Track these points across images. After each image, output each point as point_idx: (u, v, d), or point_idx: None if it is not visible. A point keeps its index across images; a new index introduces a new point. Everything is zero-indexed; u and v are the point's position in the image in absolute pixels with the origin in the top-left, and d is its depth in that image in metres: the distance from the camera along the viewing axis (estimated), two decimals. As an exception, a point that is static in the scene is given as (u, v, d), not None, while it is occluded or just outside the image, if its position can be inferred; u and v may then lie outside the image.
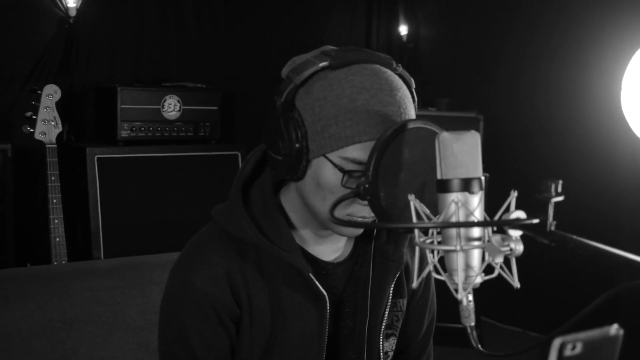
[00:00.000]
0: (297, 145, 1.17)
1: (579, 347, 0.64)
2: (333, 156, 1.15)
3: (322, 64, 1.17)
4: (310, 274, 1.24)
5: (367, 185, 1.07)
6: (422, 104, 3.89)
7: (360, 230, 1.25)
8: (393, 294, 1.35)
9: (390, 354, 1.39)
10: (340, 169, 1.14)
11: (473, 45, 4.07)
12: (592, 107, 2.92)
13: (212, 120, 3.57)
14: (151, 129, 3.37)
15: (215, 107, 3.58)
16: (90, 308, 1.87)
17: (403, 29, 4.51)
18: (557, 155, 3.51)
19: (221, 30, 3.97)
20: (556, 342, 0.63)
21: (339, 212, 1.17)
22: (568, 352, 0.63)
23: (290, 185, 1.29)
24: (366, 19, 4.52)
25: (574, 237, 0.85)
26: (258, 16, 4.02)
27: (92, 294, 1.88)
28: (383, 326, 1.33)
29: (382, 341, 1.34)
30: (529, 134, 3.66)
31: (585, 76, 2.97)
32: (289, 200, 1.29)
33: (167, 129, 3.42)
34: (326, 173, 1.16)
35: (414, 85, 1.25)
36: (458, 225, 0.92)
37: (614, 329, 0.67)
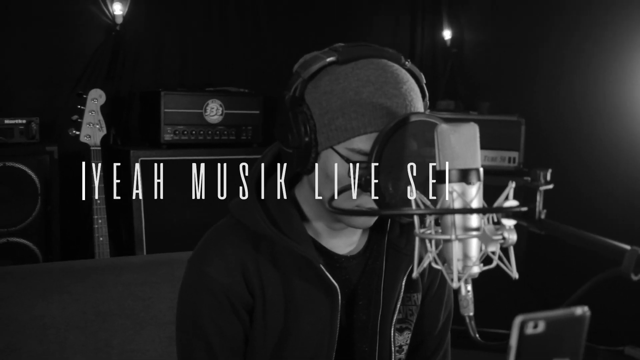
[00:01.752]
0: (306, 138, 1.20)
1: (541, 326, 0.65)
2: (340, 148, 1.18)
3: (329, 59, 1.20)
4: (321, 265, 1.26)
5: (368, 177, 1.09)
6: (464, 108, 3.88)
7: (370, 222, 1.27)
8: (407, 288, 1.36)
9: (405, 347, 1.40)
10: (347, 160, 1.17)
11: (516, 49, 4.03)
12: (635, 109, 2.87)
13: (254, 124, 3.62)
14: (194, 132, 3.45)
15: (257, 111, 3.64)
16: (123, 302, 1.93)
17: (447, 34, 4.50)
18: (600, 158, 3.46)
19: (264, 35, 4.03)
20: (517, 320, 0.64)
21: (349, 204, 1.20)
22: (529, 330, 0.64)
23: (303, 179, 1.32)
24: (410, 24, 4.53)
25: (563, 225, 0.85)
26: (301, 21, 4.07)
27: (125, 288, 1.94)
28: (394, 319, 1.35)
29: (394, 334, 1.35)
30: (570, 136, 3.61)
31: (627, 79, 2.92)
32: (302, 193, 1.32)
33: (210, 132, 3.49)
34: (334, 164, 1.19)
35: (424, 81, 1.27)
36: (447, 212, 0.93)
37: (581, 309, 0.67)
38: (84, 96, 3.02)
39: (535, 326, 0.64)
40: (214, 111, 3.50)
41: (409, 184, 1.07)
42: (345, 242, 1.36)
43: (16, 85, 3.42)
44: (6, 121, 3.02)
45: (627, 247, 0.77)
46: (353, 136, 1.17)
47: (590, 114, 3.50)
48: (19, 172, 3.03)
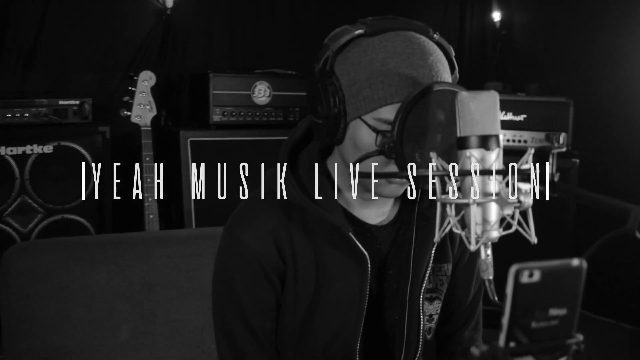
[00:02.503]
0: (335, 109, 1.23)
1: (537, 275, 0.67)
2: (368, 118, 1.21)
3: (357, 32, 1.23)
4: (350, 233, 1.30)
5: (391, 144, 1.12)
6: (512, 90, 3.84)
7: (398, 192, 1.30)
8: (437, 258, 1.39)
9: (435, 317, 1.43)
10: (374, 130, 1.20)
11: (566, 31, 3.98)
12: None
13: (301, 105, 3.67)
14: (242, 113, 3.51)
15: (305, 93, 3.67)
16: (168, 273, 2.00)
17: (496, 16, 4.46)
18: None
19: (313, 18, 4.07)
20: (512, 269, 0.67)
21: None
22: (525, 279, 0.67)
23: (335, 151, 1.35)
24: (460, 6, 4.50)
25: (574, 187, 0.87)
26: (350, 4, 4.09)
27: (170, 260, 2.01)
28: (423, 288, 1.37)
29: (423, 303, 1.38)
30: (618, 118, 3.55)
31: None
32: (334, 164, 1.36)
33: (257, 113, 3.55)
34: (362, 134, 1.22)
35: (452, 53, 1.29)
36: (461, 173, 0.96)
37: (577, 260, 0.69)
38: (135, 78, 3.11)
39: (531, 275, 0.67)
40: (261, 93, 3.56)
41: (432, 150, 1.09)
42: (376, 212, 1.39)
43: (71, 68, 3.55)
44: (60, 102, 3.13)
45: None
46: (380, 106, 1.20)
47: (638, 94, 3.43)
48: (73, 152, 3.14)
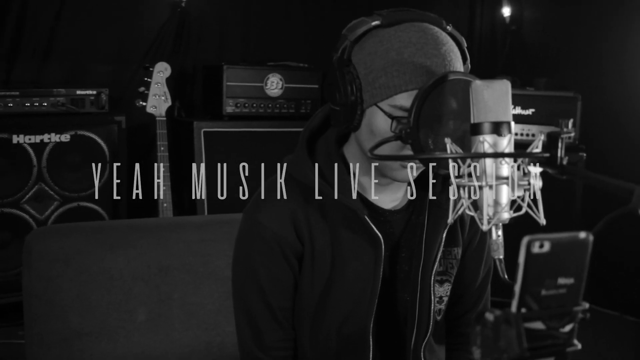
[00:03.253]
0: (352, 96, 1.28)
1: (547, 246, 0.72)
2: (383, 105, 1.26)
3: (374, 23, 1.28)
4: (366, 216, 1.35)
5: (408, 130, 1.18)
6: (520, 84, 3.88)
7: (413, 176, 1.35)
8: (447, 242, 1.44)
9: (445, 299, 1.48)
10: (390, 116, 1.25)
11: (575, 27, 4.01)
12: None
13: (313, 98, 3.72)
14: (254, 105, 3.57)
15: (316, 86, 3.73)
16: (184, 258, 2.06)
17: (506, 11, 4.49)
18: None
19: (325, 10, 4.12)
20: (524, 240, 0.72)
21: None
22: (536, 249, 0.72)
23: (351, 137, 1.40)
24: (470, 2, 4.54)
25: (581, 169, 0.92)
26: (361, -2, 4.14)
27: (186, 245, 2.06)
28: (434, 271, 1.43)
29: (434, 285, 1.43)
30: (627, 113, 3.58)
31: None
32: (350, 151, 1.41)
33: (270, 105, 3.61)
34: (378, 120, 1.27)
35: (465, 44, 1.34)
36: (475, 156, 1.01)
37: (584, 233, 0.75)
38: (150, 69, 3.17)
39: (541, 246, 0.72)
40: (274, 85, 3.61)
41: (446, 137, 1.14)
42: (390, 197, 1.44)
43: (88, 59, 3.61)
44: (78, 92, 3.19)
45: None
46: (395, 93, 1.25)
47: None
48: (89, 141, 3.21)
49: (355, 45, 1.30)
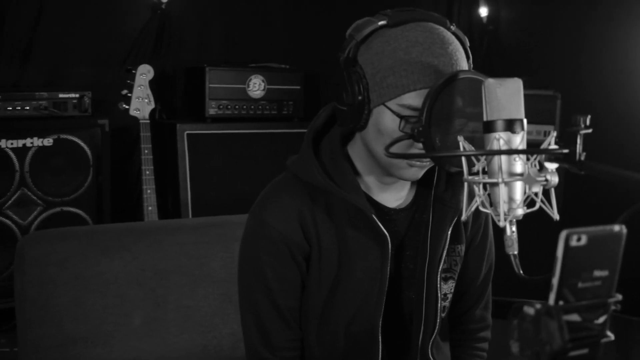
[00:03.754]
0: (359, 96, 1.29)
1: (584, 239, 0.74)
2: (391, 104, 1.27)
3: (380, 23, 1.29)
4: (373, 215, 1.36)
5: (420, 129, 1.19)
6: (500, 84, 3.91)
7: (419, 175, 1.36)
8: (451, 239, 1.45)
9: (449, 295, 1.49)
10: (398, 115, 1.26)
11: (553, 26, 4.06)
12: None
13: (295, 99, 3.72)
14: (237, 107, 3.56)
15: (298, 87, 3.74)
16: (179, 260, 2.04)
17: (483, 11, 4.54)
18: (633, 133, 3.49)
19: (306, 12, 4.11)
20: (563, 233, 0.73)
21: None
22: (574, 242, 0.73)
23: (356, 137, 1.41)
24: (447, 2, 4.58)
25: (600, 164, 0.94)
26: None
27: (180, 247, 2.05)
28: (440, 268, 1.44)
29: (440, 282, 1.45)
30: (606, 111, 3.64)
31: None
32: (355, 150, 1.42)
33: (252, 107, 3.60)
34: (386, 120, 1.28)
35: (467, 43, 1.36)
36: (496, 152, 1.02)
37: (619, 227, 0.76)
38: (133, 71, 3.15)
39: (579, 239, 0.73)
40: (256, 86, 3.61)
41: (457, 135, 1.15)
42: (394, 196, 1.45)
43: (67, 62, 3.57)
44: (60, 95, 3.15)
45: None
46: (403, 93, 1.26)
47: (623, 89, 3.52)
48: (72, 144, 3.17)
49: (362, 46, 1.31)
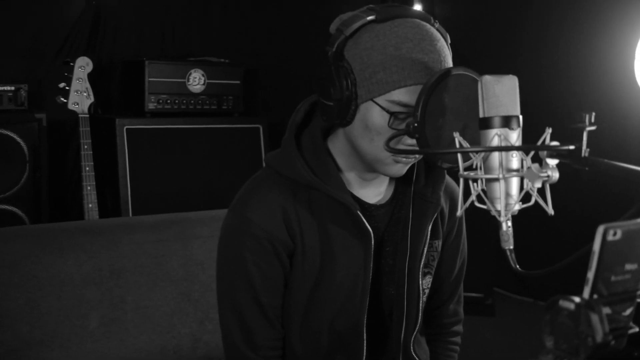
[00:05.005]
0: (347, 91, 1.28)
1: (619, 234, 0.75)
2: (380, 100, 1.27)
3: (369, 17, 1.28)
4: (358, 212, 1.35)
5: (415, 124, 1.19)
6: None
7: (403, 171, 1.37)
8: (430, 235, 1.47)
9: (427, 291, 1.51)
10: (387, 111, 1.26)
11: (487, 22, 4.16)
12: (607, 76, 2.99)
13: (234, 94, 3.68)
14: (177, 101, 3.49)
15: (238, 82, 3.69)
16: (136, 259, 1.99)
17: (417, 9, 4.61)
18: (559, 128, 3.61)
19: (245, 6, 4.07)
20: (600, 228, 0.75)
21: (386, 151, 1.30)
22: (610, 237, 0.75)
23: (338, 132, 1.40)
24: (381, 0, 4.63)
25: (606, 160, 0.96)
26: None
27: (138, 246, 2.00)
28: (422, 264, 1.45)
29: (421, 278, 1.46)
30: (548, 103, 3.75)
31: (600, 47, 3.04)
32: (336, 145, 1.41)
33: (192, 101, 3.54)
34: (374, 116, 1.28)
35: (449, 40, 1.37)
36: (503, 149, 1.03)
37: (648, 221, 0.78)
38: (71, 64, 3.04)
39: (615, 234, 0.75)
40: (196, 80, 3.55)
41: (451, 132, 1.16)
42: (374, 192, 1.45)
43: (1, 54, 3.40)
44: (-6, 88, 3.02)
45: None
46: (393, 89, 1.26)
47: (566, 80, 3.61)
48: (7, 139, 3.03)
49: (349, 41, 1.30)
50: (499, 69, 1.16)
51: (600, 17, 3.07)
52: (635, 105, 2.39)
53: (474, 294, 3.76)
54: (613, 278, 0.77)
